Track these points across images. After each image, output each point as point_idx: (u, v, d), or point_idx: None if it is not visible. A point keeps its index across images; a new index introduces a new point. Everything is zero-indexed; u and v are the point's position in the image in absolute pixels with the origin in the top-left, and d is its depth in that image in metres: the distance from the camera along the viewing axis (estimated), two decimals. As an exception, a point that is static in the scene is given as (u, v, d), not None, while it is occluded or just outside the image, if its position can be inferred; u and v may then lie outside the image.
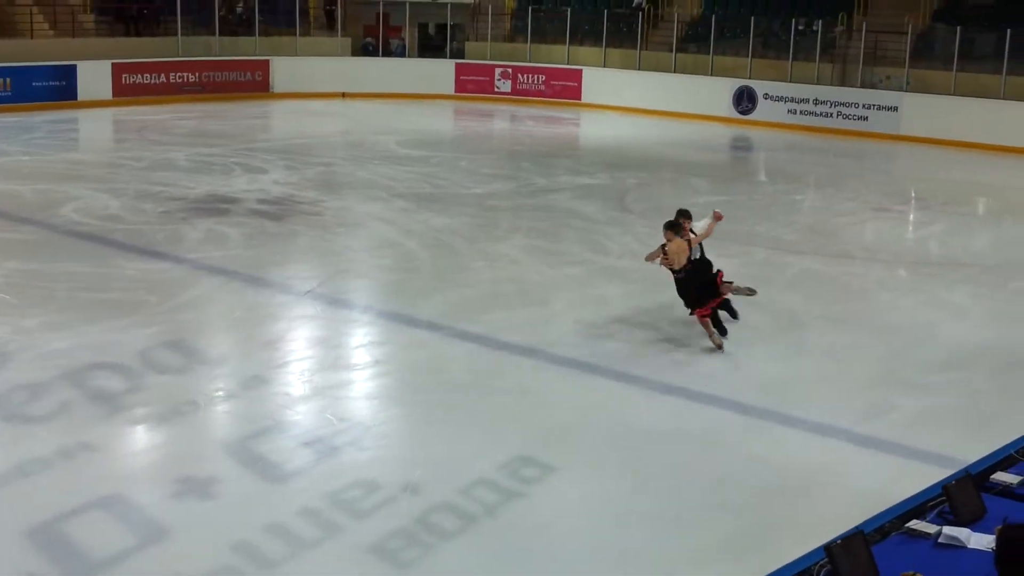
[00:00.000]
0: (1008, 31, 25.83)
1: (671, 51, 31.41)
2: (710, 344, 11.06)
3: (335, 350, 11.16)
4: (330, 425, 9.09)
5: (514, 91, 33.01)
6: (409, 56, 34.63)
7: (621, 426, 9.27)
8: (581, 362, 10.73)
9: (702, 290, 11.21)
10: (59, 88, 28.27)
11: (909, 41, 27.62)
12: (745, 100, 29.39)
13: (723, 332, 11.26)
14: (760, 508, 7.99)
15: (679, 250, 11.11)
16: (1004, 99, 25.80)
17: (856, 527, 6.09)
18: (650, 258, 11.50)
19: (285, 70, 32.19)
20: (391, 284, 13.53)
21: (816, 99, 28.34)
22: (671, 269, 11.27)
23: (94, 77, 28.84)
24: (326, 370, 10.46)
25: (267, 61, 32.06)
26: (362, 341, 11.47)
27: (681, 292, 11.34)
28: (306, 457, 8.48)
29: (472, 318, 11.93)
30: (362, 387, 10.19)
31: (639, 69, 31.71)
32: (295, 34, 33.03)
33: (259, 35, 32.52)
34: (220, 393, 9.78)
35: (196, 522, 7.51)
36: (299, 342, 11.42)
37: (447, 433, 9.04)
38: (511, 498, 7.92)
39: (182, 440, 8.85)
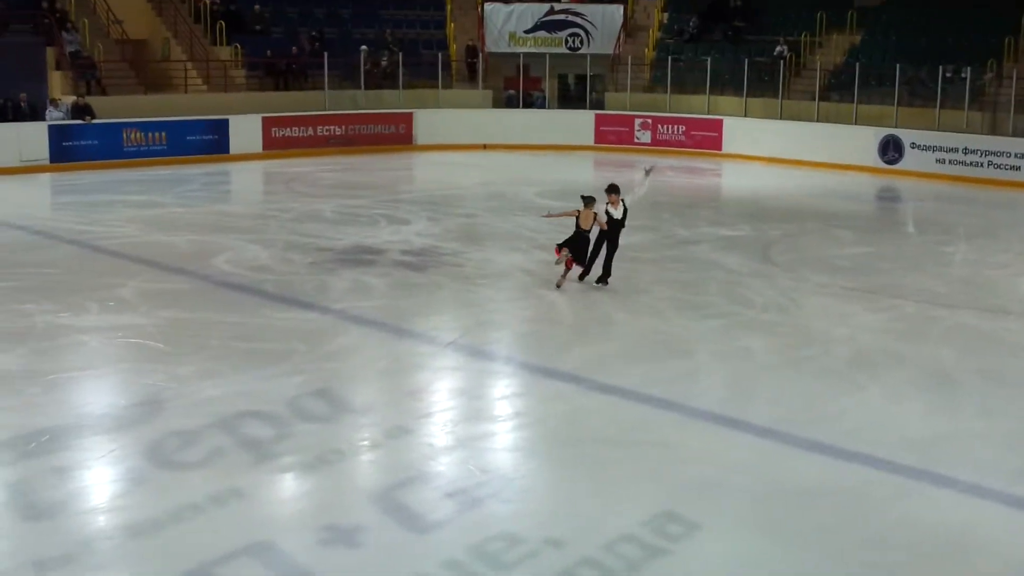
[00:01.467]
0: None
1: (814, 99, 31.05)
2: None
3: (477, 401, 11.23)
4: (472, 477, 9.12)
5: (654, 141, 32.97)
6: (549, 107, 34.93)
7: (767, 483, 9.10)
8: (725, 417, 10.58)
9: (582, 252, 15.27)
10: (212, 142, 29.30)
11: (1063, 87, 26.79)
12: (891, 149, 28.83)
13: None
14: (913, 571, 7.74)
15: (588, 216, 15.14)
16: None
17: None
18: (558, 215, 16.34)
19: (428, 122, 32.78)
20: (532, 335, 13.58)
21: (966, 148, 27.63)
22: (580, 227, 15.13)
23: (245, 131, 29.83)
24: (468, 421, 10.53)
25: (411, 114, 32.70)
26: (504, 392, 11.52)
27: (579, 245, 15.20)
28: (449, 508, 8.52)
29: (614, 370, 11.89)
30: (504, 439, 10.20)
31: (780, 118, 31.40)
32: (438, 87, 33.62)
33: (403, 88, 33.19)
34: (365, 442, 9.91)
35: (342, 571, 7.59)
36: (442, 392, 11.53)
37: (589, 487, 8.99)
38: (655, 555, 7.81)
39: (328, 488, 8.98)
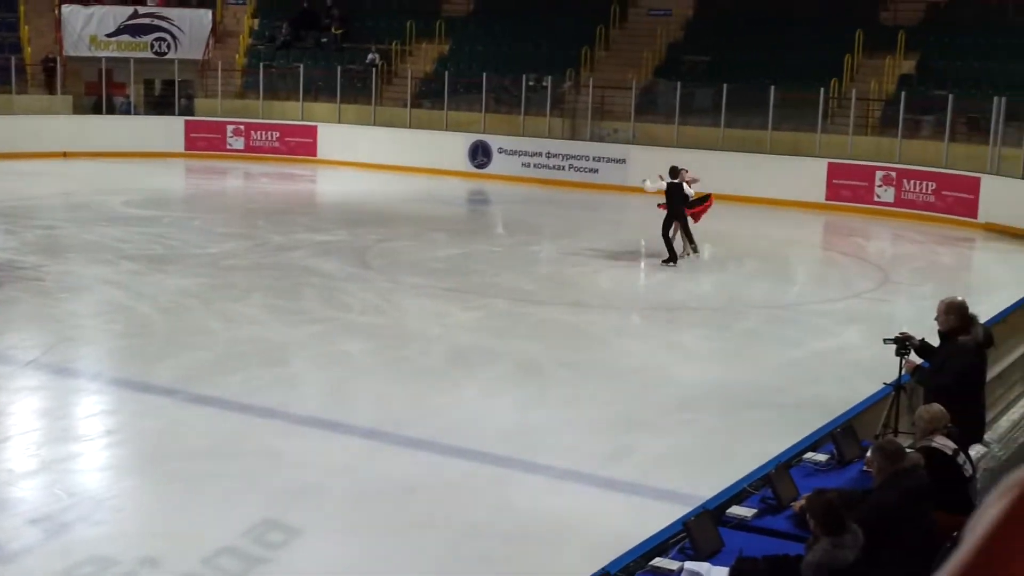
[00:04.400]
0: (724, 86, 27.27)
1: (406, 106, 31.68)
2: None
3: (62, 421, 10.58)
4: (59, 500, 8.55)
5: (247, 148, 32.47)
6: (135, 114, 33.62)
7: (368, 483, 9.12)
8: (326, 420, 10.53)
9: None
10: None
11: (633, 96, 28.77)
12: (480, 154, 29.89)
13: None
14: (512, 556, 8.00)
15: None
16: (722, 150, 27.10)
17: (602, 568, 6.18)
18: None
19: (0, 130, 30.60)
20: (122, 350, 12.96)
21: (548, 152, 29.09)
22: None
23: None
24: (53, 443, 9.89)
25: (-21, 121, 30.41)
26: (92, 411, 10.91)
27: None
28: (33, 535, 7.94)
29: (210, 381, 11.55)
30: (93, 459, 9.66)
31: (374, 124, 31.82)
32: (11, 92, 31.48)
33: (-30, 93, 30.87)
34: (-66, 473, 9.08)
35: (-92, 616, 6.92)
36: (23, 414, 10.75)
37: (186, 502, 8.66)
38: (255, 564, 7.65)
39: None
